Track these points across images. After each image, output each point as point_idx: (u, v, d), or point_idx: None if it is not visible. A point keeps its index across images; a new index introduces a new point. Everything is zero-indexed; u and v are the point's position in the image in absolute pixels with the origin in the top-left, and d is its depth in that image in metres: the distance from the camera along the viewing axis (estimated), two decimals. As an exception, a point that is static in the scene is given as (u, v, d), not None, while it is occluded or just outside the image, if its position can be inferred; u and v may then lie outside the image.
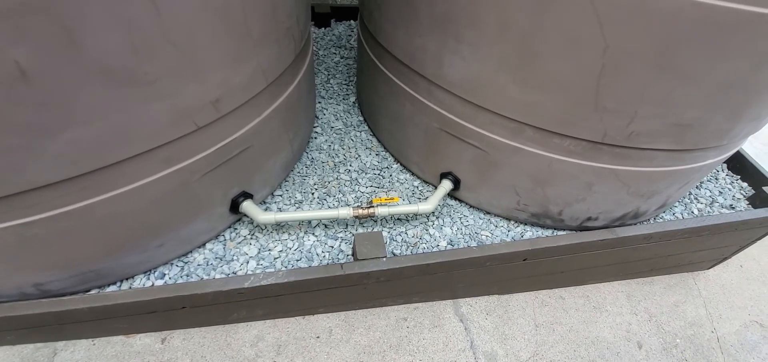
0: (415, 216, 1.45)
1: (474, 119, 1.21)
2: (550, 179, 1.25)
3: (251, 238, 1.32)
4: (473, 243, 1.38)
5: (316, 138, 1.68)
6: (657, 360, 1.46)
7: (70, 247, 0.98)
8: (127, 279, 1.18)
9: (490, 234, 1.42)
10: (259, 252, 1.28)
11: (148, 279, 1.19)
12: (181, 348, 1.28)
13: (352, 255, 1.28)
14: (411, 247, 1.35)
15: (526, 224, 1.47)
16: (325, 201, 1.45)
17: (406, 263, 1.21)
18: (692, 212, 1.57)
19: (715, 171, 1.76)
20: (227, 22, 0.88)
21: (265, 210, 1.38)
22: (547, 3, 0.88)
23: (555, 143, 1.15)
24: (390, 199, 1.44)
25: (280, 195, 1.45)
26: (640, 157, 1.15)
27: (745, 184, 1.71)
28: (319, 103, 1.86)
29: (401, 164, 1.63)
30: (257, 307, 1.28)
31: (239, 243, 1.30)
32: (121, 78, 0.77)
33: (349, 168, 1.58)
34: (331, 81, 2.00)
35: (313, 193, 1.47)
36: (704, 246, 1.56)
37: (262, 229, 1.35)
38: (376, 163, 1.62)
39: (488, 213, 1.50)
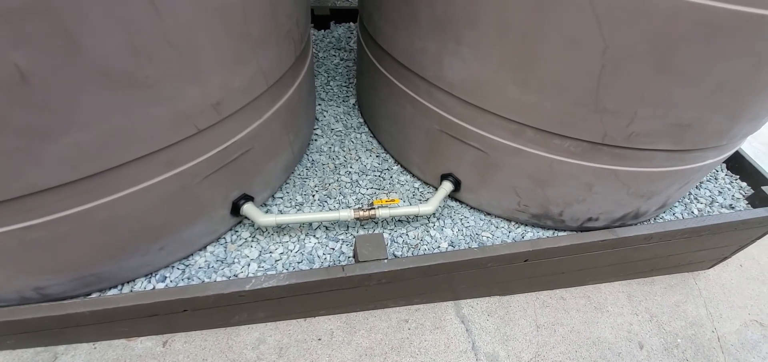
0: (416, 217, 1.45)
1: (474, 121, 1.22)
2: (551, 180, 1.25)
3: (252, 241, 1.32)
4: (474, 245, 1.38)
5: (316, 140, 1.68)
6: (658, 361, 1.46)
7: (70, 251, 0.98)
8: (128, 282, 1.18)
9: (490, 236, 1.43)
10: (260, 255, 1.28)
11: (149, 282, 1.19)
12: (183, 351, 1.28)
13: (353, 257, 1.28)
14: (412, 249, 1.35)
15: (526, 225, 1.48)
16: (325, 203, 1.45)
17: (408, 265, 1.21)
18: (692, 212, 1.58)
19: (714, 171, 1.77)
20: (228, 25, 0.88)
21: (266, 212, 1.38)
22: (547, 4, 0.89)
23: (555, 144, 1.15)
24: (391, 201, 1.44)
25: (281, 198, 1.45)
26: (640, 157, 1.15)
27: (744, 184, 1.72)
28: (319, 105, 1.86)
29: (402, 166, 1.63)
30: (258, 310, 1.28)
31: (240, 245, 1.30)
32: (121, 81, 0.77)
33: (350, 170, 1.58)
34: (331, 83, 2.00)
35: (313, 195, 1.47)
36: (704, 246, 1.56)
37: (263, 232, 1.34)
38: (377, 165, 1.62)
39: (489, 214, 1.50)
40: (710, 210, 1.58)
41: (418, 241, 1.38)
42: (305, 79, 1.37)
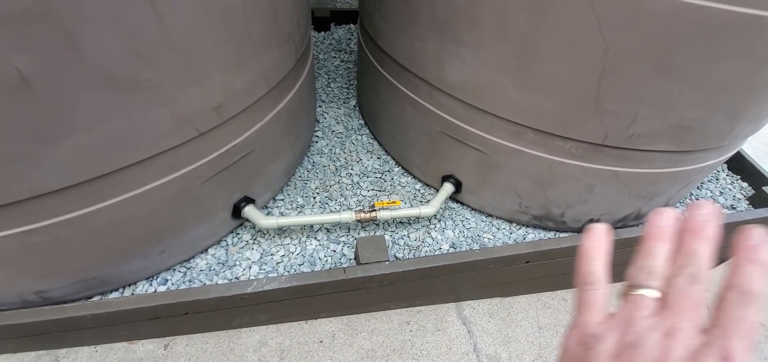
0: (417, 219, 1.45)
1: (475, 122, 1.22)
2: (552, 181, 1.25)
3: (253, 243, 1.32)
4: (475, 246, 1.38)
5: (317, 142, 1.68)
6: None
7: (72, 254, 0.98)
8: (129, 285, 1.18)
9: (492, 237, 1.42)
10: (261, 257, 1.28)
11: (151, 285, 1.19)
12: (184, 354, 1.28)
13: (355, 259, 1.28)
14: (413, 251, 1.35)
15: (528, 226, 1.47)
16: (326, 205, 1.45)
17: (409, 266, 1.20)
18: (693, 212, 1.57)
19: (715, 172, 1.76)
20: (229, 27, 0.88)
21: (267, 214, 1.38)
22: (547, 5, 0.89)
23: (556, 145, 1.15)
24: (392, 203, 1.44)
25: (282, 200, 1.45)
26: (641, 158, 1.15)
27: (745, 184, 1.72)
28: (320, 106, 1.86)
29: (402, 167, 1.63)
30: (260, 312, 1.27)
31: (241, 248, 1.30)
32: (122, 84, 0.77)
33: (351, 171, 1.58)
34: (332, 85, 2.00)
35: (314, 197, 1.47)
36: (706, 247, 1.56)
37: (265, 234, 1.34)
38: (378, 167, 1.62)
39: (490, 215, 1.50)
40: (711, 211, 1.58)
41: (420, 243, 1.38)
42: (306, 81, 1.37)
